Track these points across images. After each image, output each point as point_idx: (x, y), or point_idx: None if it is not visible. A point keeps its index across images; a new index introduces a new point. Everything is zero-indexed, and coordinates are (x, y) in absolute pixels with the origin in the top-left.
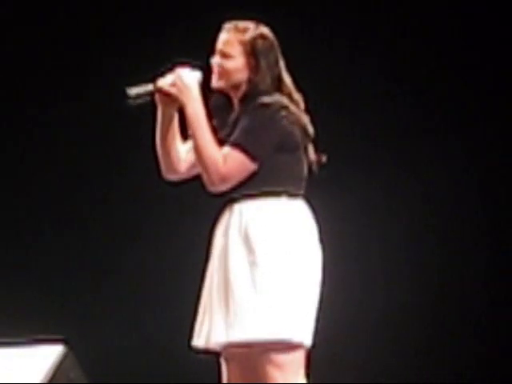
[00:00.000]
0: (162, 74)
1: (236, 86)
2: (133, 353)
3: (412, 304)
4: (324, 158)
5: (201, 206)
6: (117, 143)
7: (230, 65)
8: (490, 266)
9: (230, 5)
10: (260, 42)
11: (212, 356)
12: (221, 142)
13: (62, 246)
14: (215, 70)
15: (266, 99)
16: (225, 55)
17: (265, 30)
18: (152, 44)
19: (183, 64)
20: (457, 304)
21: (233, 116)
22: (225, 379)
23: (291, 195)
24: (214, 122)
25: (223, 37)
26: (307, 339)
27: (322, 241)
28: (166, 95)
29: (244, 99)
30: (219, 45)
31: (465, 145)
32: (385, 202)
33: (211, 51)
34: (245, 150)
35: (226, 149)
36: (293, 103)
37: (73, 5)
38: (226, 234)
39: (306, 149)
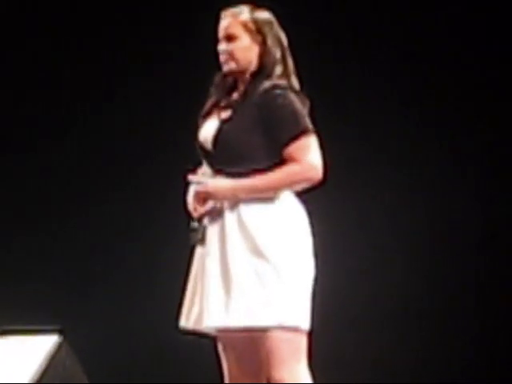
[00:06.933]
0: None
1: (246, 66)
2: (126, 340)
3: (425, 302)
4: None
5: None
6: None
7: (237, 45)
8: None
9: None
10: (260, 18)
11: (208, 340)
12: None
13: (57, 238)
14: (224, 57)
15: (269, 83)
16: (230, 38)
17: (261, 10)
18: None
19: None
20: (471, 303)
21: (235, 96)
22: (224, 367)
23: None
24: (213, 99)
25: (223, 23)
26: (307, 324)
27: (313, 230)
28: (210, 212)
29: (254, 76)
30: (221, 31)
31: (477, 145)
32: (398, 201)
33: (215, 42)
34: (298, 135)
35: (289, 149)
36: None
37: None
38: (220, 221)
39: None
